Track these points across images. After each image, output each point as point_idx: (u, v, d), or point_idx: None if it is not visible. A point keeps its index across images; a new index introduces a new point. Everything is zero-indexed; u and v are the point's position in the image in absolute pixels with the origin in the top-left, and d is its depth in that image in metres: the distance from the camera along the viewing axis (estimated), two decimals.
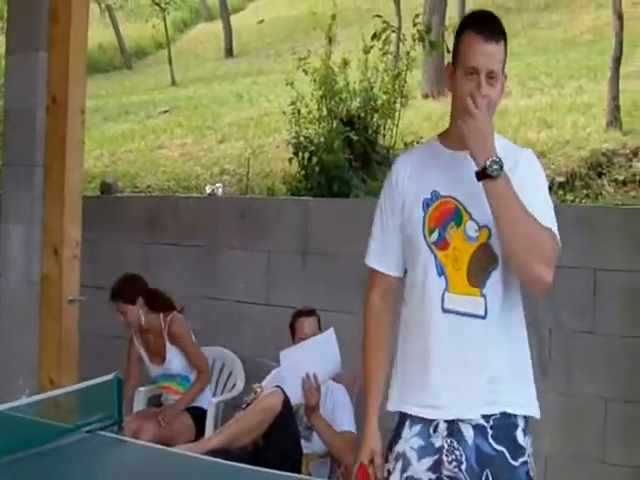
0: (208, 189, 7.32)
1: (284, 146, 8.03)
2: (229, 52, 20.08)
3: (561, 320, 5.02)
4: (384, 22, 7.93)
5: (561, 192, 6.90)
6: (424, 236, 2.69)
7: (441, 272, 2.66)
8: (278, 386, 4.73)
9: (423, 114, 9.68)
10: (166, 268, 6.56)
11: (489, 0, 17.51)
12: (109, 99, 15.40)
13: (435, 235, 2.68)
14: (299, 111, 7.67)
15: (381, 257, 2.85)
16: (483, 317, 2.61)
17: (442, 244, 2.67)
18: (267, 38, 20.15)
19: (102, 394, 3.71)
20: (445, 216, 2.68)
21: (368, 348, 2.87)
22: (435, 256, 2.67)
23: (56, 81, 5.53)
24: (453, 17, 12.54)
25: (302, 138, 7.47)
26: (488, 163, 2.49)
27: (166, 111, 13.19)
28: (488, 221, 2.59)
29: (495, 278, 2.63)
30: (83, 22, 5.59)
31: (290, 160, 7.51)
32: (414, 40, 8.03)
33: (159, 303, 5.60)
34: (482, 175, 2.52)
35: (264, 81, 14.18)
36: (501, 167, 2.50)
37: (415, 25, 8.07)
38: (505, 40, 2.66)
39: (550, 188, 7.17)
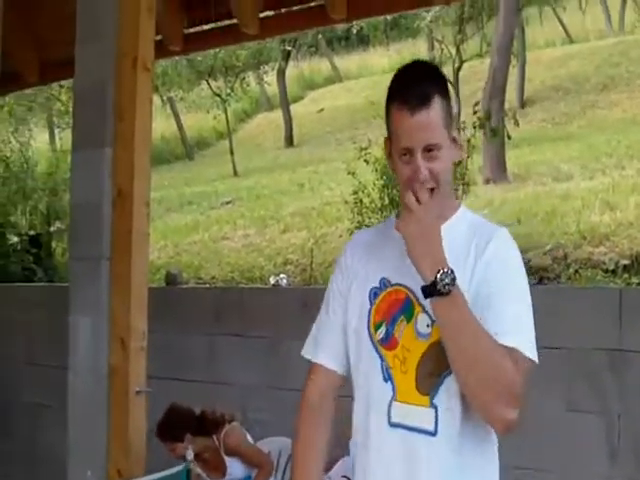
0: (272, 280, 7.36)
1: (347, 235, 8.06)
2: (289, 141, 20.33)
3: (630, 406, 4.90)
4: None
5: (626, 275, 6.81)
6: (369, 333, 2.25)
7: (388, 377, 2.20)
8: (345, 477, 4.67)
9: (484, 200, 9.68)
10: (231, 359, 6.56)
11: (546, 82, 17.54)
12: (171, 190, 15.64)
13: (382, 331, 2.22)
14: (361, 200, 7.73)
15: (319, 348, 2.52)
16: (432, 434, 2.12)
17: (390, 342, 2.20)
18: (327, 127, 20.38)
19: None
20: (394, 308, 2.22)
21: (296, 447, 2.47)
22: (381, 357, 2.21)
23: (121, 175, 5.62)
24: (512, 100, 12.58)
25: (364, 227, 7.49)
26: (438, 277, 2.00)
27: (229, 202, 13.35)
28: None
29: (449, 385, 2.11)
30: (147, 117, 5.70)
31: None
32: (474, 127, 8.07)
33: (209, 427, 5.52)
34: (430, 291, 2.03)
35: (325, 170, 14.31)
36: (453, 280, 2.01)
37: (475, 113, 8.12)
38: (442, 92, 2.18)
39: (614, 271, 7.15)
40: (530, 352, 2.08)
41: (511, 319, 2.08)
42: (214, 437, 5.43)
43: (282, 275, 7.47)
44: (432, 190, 2.14)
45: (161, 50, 6.27)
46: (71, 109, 15.57)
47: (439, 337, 2.08)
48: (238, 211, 12.21)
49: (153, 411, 5.85)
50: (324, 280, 7.75)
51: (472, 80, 17.73)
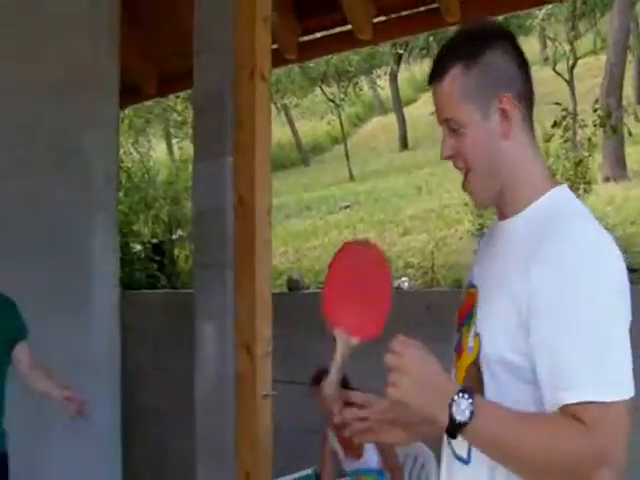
0: (394, 284, 7.35)
1: (467, 237, 8.01)
2: (404, 144, 20.32)
3: None
4: (563, 110, 7.88)
5: None
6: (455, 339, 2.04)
7: None
8: None
9: (606, 198, 9.50)
10: (356, 363, 6.58)
11: None
12: (289, 196, 15.80)
13: (455, 338, 2.05)
14: None
15: None
16: (466, 462, 1.89)
17: (458, 351, 2.02)
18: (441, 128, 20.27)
19: None
20: (465, 313, 2.03)
21: None
22: (455, 367, 2.01)
23: (242, 184, 5.72)
24: (629, 96, 12.32)
25: (486, 229, 7.42)
26: (454, 410, 1.68)
27: (347, 206, 13.42)
28: (483, 326, 1.86)
29: None
30: (266, 126, 5.78)
31: (476, 252, 7.43)
32: (595, 125, 7.94)
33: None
34: (454, 430, 1.70)
35: (441, 172, 14.24)
36: (469, 395, 1.69)
37: (595, 111, 7.99)
38: (467, 63, 1.87)
39: None
40: (603, 393, 1.63)
41: (566, 360, 1.66)
42: None
43: (404, 278, 7.46)
44: (466, 174, 1.91)
45: (277, 59, 6.36)
46: (189, 119, 15.95)
47: (476, 355, 1.87)
48: (357, 215, 12.25)
49: (278, 415, 5.93)
50: (446, 282, 7.72)
51: (587, 77, 17.44)
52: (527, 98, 1.91)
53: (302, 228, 12.28)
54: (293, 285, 7.65)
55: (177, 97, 14.86)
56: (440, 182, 13.33)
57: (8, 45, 6.40)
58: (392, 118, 21.80)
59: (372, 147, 21.54)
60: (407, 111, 21.64)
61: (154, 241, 11.02)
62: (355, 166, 17.64)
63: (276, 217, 12.25)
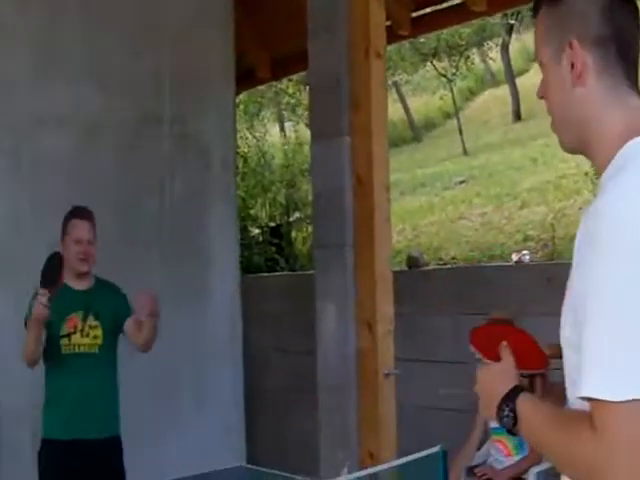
0: (514, 257, 7.27)
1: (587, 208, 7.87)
2: (517, 116, 19.98)
3: None
4: None
5: None
6: None
7: None
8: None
9: None
10: None
11: None
12: (403, 173, 15.73)
13: None
14: None
15: None
16: None
17: None
18: None
19: (428, 466, 3.72)
20: None
21: None
22: None
23: (360, 163, 5.73)
24: None
25: None
26: (501, 415, 1.77)
27: (462, 181, 13.30)
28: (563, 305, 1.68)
29: None
30: (382, 104, 5.78)
31: None
32: None
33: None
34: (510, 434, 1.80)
35: (556, 142, 13.98)
36: (511, 411, 1.73)
37: None
38: (550, 3, 1.76)
39: None
40: (597, 389, 1.45)
41: (585, 350, 1.49)
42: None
43: (524, 251, 7.36)
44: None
45: (390, 35, 6.32)
46: (302, 102, 16.03)
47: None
48: (473, 190, 12.14)
49: (400, 393, 5.94)
50: (567, 254, 7.58)
51: None
52: (614, 43, 1.71)
53: (418, 205, 12.22)
54: (413, 262, 7.64)
55: (290, 80, 14.91)
56: (555, 153, 13.04)
57: (127, 36, 6.54)
58: (504, 90, 21.45)
59: (485, 120, 21.26)
60: (519, 82, 21.25)
61: (272, 224, 11.13)
62: (468, 140, 17.45)
63: (391, 195, 12.24)
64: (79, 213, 4.68)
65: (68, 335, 4.61)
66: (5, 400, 5.69)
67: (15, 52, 5.99)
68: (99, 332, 4.68)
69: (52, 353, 4.58)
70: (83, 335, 4.64)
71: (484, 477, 5.29)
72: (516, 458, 5.37)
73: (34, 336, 4.40)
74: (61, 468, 4.46)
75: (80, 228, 4.62)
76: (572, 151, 1.83)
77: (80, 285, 4.72)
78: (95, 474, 4.50)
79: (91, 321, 4.67)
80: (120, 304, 4.83)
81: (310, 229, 10.12)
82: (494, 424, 5.42)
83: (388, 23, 6.06)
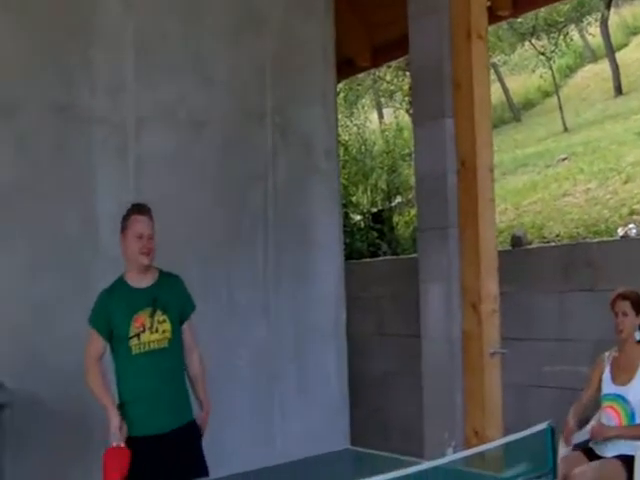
0: (620, 231, 7.20)
1: None
2: (618, 90, 19.57)
3: None
4: None
5: None
6: None
7: None
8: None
9: None
10: (582, 315, 6.52)
11: None
12: (503, 154, 15.57)
13: None
14: None
15: None
16: None
17: None
18: None
19: (535, 443, 3.74)
20: None
21: None
22: None
23: (464, 144, 5.77)
24: None
25: None
26: None
27: (564, 158, 13.12)
28: None
29: None
30: (485, 85, 5.80)
31: None
32: None
33: None
34: None
35: None
36: None
37: None
38: None
39: None
40: None
41: None
42: None
43: (631, 225, 7.26)
44: None
45: (490, 16, 6.32)
46: (400, 88, 16.00)
47: None
48: (576, 167, 11.95)
49: (506, 372, 5.96)
50: None
51: None
52: None
53: (520, 184, 12.11)
54: (516, 242, 7.62)
55: (388, 67, 14.90)
56: None
57: (227, 25, 6.64)
58: (603, 65, 21.03)
59: (584, 97, 20.88)
60: (619, 56, 20.82)
61: (373, 210, 11.18)
62: (568, 118, 17.17)
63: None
64: (139, 209, 4.71)
65: (137, 335, 4.62)
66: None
67: (121, 52, 6.14)
68: (168, 326, 4.68)
69: (122, 354, 4.62)
70: (152, 332, 4.64)
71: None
72: None
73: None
74: (146, 463, 4.46)
75: (141, 223, 4.65)
76: None
77: (145, 282, 4.72)
78: (178, 462, 4.53)
79: (159, 316, 4.66)
80: (184, 297, 4.87)
81: (412, 213, 10.15)
82: (607, 389, 5.42)
83: (488, 4, 6.05)
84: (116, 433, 4.45)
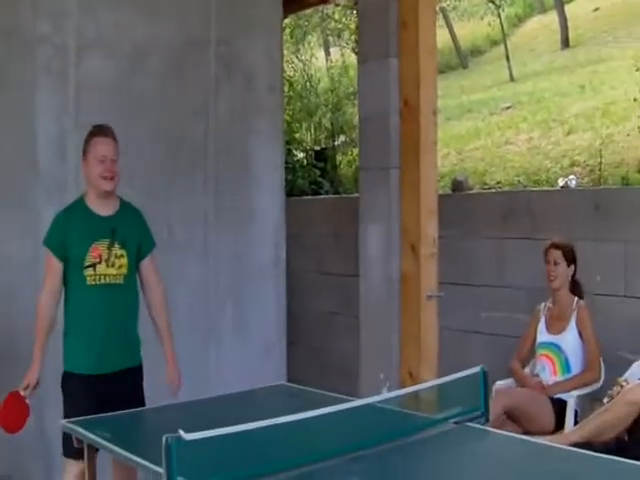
0: (560, 182, 7.24)
1: (636, 134, 7.78)
2: (565, 43, 19.66)
3: None
4: None
5: None
6: None
7: None
8: None
9: None
10: (519, 262, 6.58)
11: None
12: (448, 99, 15.58)
13: None
14: None
15: None
16: None
17: None
18: (603, 26, 19.53)
19: (468, 387, 3.76)
20: None
21: None
22: None
23: (408, 85, 5.71)
24: None
25: None
26: None
27: (508, 107, 13.17)
28: None
29: None
30: (431, 27, 5.73)
31: None
32: None
33: (576, 286, 5.67)
34: None
35: (605, 69, 13.77)
36: None
37: None
38: None
39: None
40: None
41: None
42: (575, 299, 5.54)
43: (571, 176, 7.31)
44: None
45: None
46: (347, 28, 15.87)
47: None
48: (519, 115, 12.01)
49: (442, 316, 5.99)
50: (614, 181, 7.53)
51: None
52: None
53: (463, 130, 12.15)
54: (458, 186, 7.63)
55: (336, 5, 14.75)
56: (604, 80, 12.89)
57: None
58: (552, 17, 21.08)
59: (532, 47, 20.94)
60: (568, 9, 20.87)
61: (316, 148, 11.14)
62: (515, 67, 17.23)
63: (437, 120, 12.15)
64: (101, 130, 4.50)
65: (93, 265, 4.42)
66: None
67: None
68: (124, 262, 4.50)
69: (76, 284, 4.45)
70: (109, 265, 4.45)
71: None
72: (560, 378, 5.47)
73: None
74: (90, 399, 4.32)
75: (104, 145, 4.44)
76: None
77: (105, 210, 4.52)
78: (121, 402, 4.34)
79: (117, 249, 4.48)
80: (144, 234, 4.72)
81: (355, 152, 10.12)
82: (542, 338, 5.55)
83: None
84: (29, 390, 4.41)
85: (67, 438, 4.09)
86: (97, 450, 3.86)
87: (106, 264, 4.43)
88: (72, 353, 4.46)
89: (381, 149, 5.91)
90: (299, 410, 3.18)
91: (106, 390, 4.40)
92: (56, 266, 4.43)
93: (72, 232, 4.43)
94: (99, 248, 4.42)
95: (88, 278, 4.39)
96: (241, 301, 6.90)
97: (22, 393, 4.38)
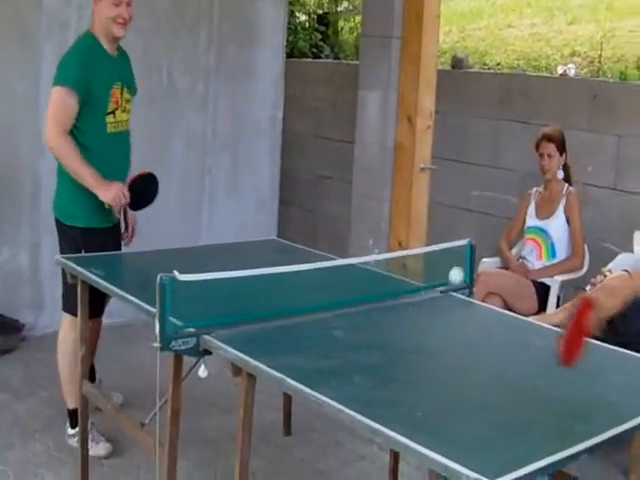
0: (560, 69, 7.22)
1: (638, 31, 7.73)
2: None
3: None
4: None
5: None
6: None
7: None
8: (626, 270, 4.68)
9: None
10: (513, 145, 6.62)
11: None
12: None
13: None
14: None
15: None
16: None
17: None
18: None
19: (455, 259, 3.82)
20: None
21: None
22: None
23: None
24: None
25: None
26: None
27: None
28: None
29: None
30: None
31: None
32: None
33: (569, 174, 5.76)
34: None
35: None
36: None
37: None
38: None
39: None
40: None
41: None
42: (565, 185, 5.65)
43: (570, 65, 7.27)
44: None
45: None
46: None
47: None
48: (525, 0, 11.84)
49: (434, 191, 6.07)
50: (613, 75, 7.51)
51: None
52: None
53: (467, 9, 11.95)
54: (457, 63, 7.60)
55: None
56: None
57: None
58: None
59: None
60: None
61: (319, 12, 10.98)
62: None
63: None
64: None
65: (113, 112, 4.17)
66: None
67: None
68: (130, 106, 4.31)
69: (96, 131, 4.14)
70: (122, 110, 4.24)
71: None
72: (546, 263, 5.60)
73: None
74: (105, 251, 4.16)
75: None
76: None
77: (113, 50, 4.23)
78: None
79: (126, 94, 4.26)
80: (133, 77, 4.45)
81: (357, 20, 10.00)
82: (531, 222, 5.66)
83: None
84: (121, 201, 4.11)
85: (67, 291, 4.10)
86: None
87: (121, 110, 4.22)
88: (91, 207, 4.16)
89: (384, 18, 5.89)
90: (288, 264, 3.27)
91: (115, 240, 4.41)
92: (74, 108, 4.02)
93: (96, 75, 4.09)
94: (116, 92, 4.18)
95: (109, 125, 4.16)
96: (236, 157, 6.98)
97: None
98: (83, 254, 4.11)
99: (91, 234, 4.21)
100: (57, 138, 4.03)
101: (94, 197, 4.08)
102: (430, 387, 2.61)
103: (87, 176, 4.04)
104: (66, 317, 4.31)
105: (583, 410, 2.35)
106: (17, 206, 5.87)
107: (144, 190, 4.24)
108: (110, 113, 4.15)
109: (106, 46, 4.19)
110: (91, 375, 4.51)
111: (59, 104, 4.04)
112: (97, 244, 4.17)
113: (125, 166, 4.34)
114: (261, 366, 2.59)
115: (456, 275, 3.66)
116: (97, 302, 4.11)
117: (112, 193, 4.05)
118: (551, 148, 5.61)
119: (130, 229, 4.52)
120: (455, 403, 2.42)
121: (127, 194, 4.09)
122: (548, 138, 5.62)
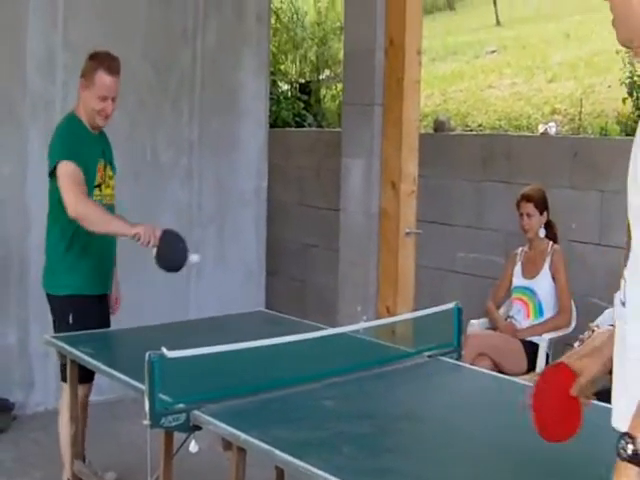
0: (541, 128, 7.30)
1: (617, 86, 7.85)
2: None
3: None
4: None
5: None
6: None
7: None
8: (613, 325, 4.71)
9: None
10: (497, 205, 6.66)
11: None
12: (434, 40, 15.52)
13: None
14: None
15: None
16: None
17: None
18: None
19: (442, 323, 3.84)
20: None
21: None
22: None
23: (393, 24, 5.74)
24: None
25: (636, 78, 7.27)
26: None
27: (493, 51, 13.16)
28: None
29: None
30: None
31: (624, 100, 7.38)
32: None
33: (553, 232, 5.78)
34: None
35: (592, 19, 13.74)
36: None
37: None
38: None
39: None
40: None
41: None
42: (550, 243, 5.66)
43: (551, 123, 7.35)
44: None
45: None
46: None
47: None
48: (504, 60, 12.01)
49: (420, 253, 6.08)
50: (593, 130, 7.61)
51: None
52: None
53: (448, 71, 12.14)
54: (439, 126, 7.68)
55: None
56: (590, 29, 12.87)
57: None
58: None
59: None
60: None
61: (301, 81, 11.11)
62: (502, 11, 17.13)
63: (422, 60, 12.12)
64: (110, 68, 4.28)
65: (99, 185, 4.33)
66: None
67: None
68: (114, 182, 4.46)
69: None
70: (106, 186, 4.40)
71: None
72: (534, 321, 5.61)
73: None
74: (100, 319, 4.38)
75: (109, 84, 4.25)
76: (623, 45, 1.83)
77: (94, 130, 4.41)
78: (107, 322, 4.48)
79: (108, 170, 4.44)
80: (112, 155, 4.59)
81: (339, 87, 10.12)
82: (517, 282, 5.69)
83: None
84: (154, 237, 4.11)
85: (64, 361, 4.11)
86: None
87: (104, 185, 4.37)
88: (79, 275, 4.30)
89: (365, 85, 5.95)
90: (277, 335, 3.28)
91: (103, 310, 4.49)
92: (81, 175, 4.16)
93: (83, 149, 4.25)
94: (100, 168, 4.35)
95: (95, 198, 4.26)
96: (222, 229, 6.99)
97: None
98: (72, 332, 4.13)
99: (78, 302, 4.28)
100: (77, 202, 4.08)
101: (82, 264, 4.27)
102: (420, 454, 2.61)
103: (120, 227, 4.15)
104: (65, 387, 4.31)
105: (581, 473, 2.35)
106: (5, 284, 5.87)
107: (174, 248, 4.23)
108: (97, 186, 4.30)
109: (88, 126, 4.36)
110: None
111: (71, 174, 4.14)
112: (84, 312, 4.26)
113: (113, 239, 4.45)
114: (251, 439, 2.59)
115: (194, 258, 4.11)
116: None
117: (143, 226, 4.10)
118: (530, 208, 5.65)
119: (114, 298, 4.62)
120: (445, 470, 2.41)
121: (157, 234, 4.10)
122: (527, 198, 5.67)
